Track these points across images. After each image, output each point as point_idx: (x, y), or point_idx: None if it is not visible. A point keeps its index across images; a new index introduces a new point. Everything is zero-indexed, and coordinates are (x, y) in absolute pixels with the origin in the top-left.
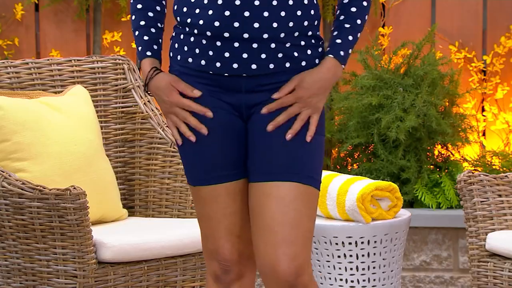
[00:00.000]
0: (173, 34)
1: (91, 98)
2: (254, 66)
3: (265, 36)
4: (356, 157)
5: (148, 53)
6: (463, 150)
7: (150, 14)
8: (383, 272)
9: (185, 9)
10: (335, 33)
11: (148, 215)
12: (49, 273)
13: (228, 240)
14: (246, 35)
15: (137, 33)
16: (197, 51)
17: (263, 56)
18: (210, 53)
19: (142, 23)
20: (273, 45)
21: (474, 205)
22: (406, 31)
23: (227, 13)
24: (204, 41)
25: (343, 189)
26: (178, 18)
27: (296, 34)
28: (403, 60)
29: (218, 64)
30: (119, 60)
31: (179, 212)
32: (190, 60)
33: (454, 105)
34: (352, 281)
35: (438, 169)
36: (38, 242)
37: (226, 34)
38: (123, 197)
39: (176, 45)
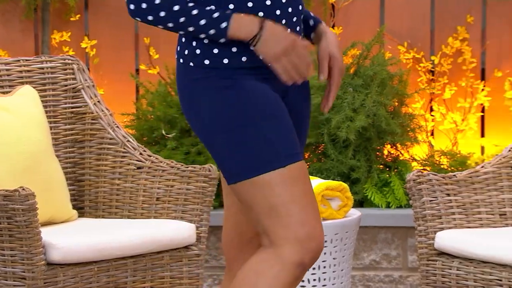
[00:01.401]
0: (221, 41)
1: (40, 99)
2: None
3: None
4: (306, 157)
5: (228, 11)
6: (412, 150)
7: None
8: (333, 272)
9: (250, 4)
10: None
11: (98, 216)
12: None
13: (319, 221)
14: (295, 19)
15: (194, 12)
16: None
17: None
18: None
19: (191, 4)
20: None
21: (423, 204)
22: (356, 32)
23: None
24: None
25: None
26: None
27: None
28: (353, 60)
29: None
30: (68, 60)
31: (129, 212)
32: (261, 57)
33: (403, 105)
34: (302, 280)
35: (387, 169)
36: None
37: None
38: (72, 198)
39: (235, 49)
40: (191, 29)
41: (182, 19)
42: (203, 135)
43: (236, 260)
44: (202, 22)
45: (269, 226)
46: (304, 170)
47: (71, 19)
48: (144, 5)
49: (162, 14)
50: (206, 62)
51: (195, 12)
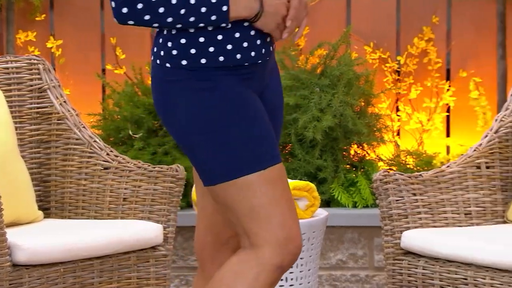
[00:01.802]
0: (219, 38)
1: (6, 99)
2: (271, 48)
3: None
4: None
5: None
6: (378, 150)
7: None
8: (300, 272)
9: None
10: None
11: (64, 217)
12: None
13: (297, 222)
14: None
15: (192, 1)
16: (258, 42)
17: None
18: (268, 39)
19: None
20: None
21: (389, 204)
22: (323, 32)
23: None
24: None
25: None
26: None
27: None
28: (320, 60)
29: (263, 51)
30: (34, 60)
31: (96, 213)
32: (252, 54)
33: (369, 105)
34: None
35: (354, 169)
36: None
37: None
38: (38, 198)
39: (230, 46)
40: (192, 19)
41: (182, 11)
42: (181, 137)
43: (211, 261)
44: (203, 9)
45: (250, 228)
46: (283, 172)
47: (37, 18)
48: (140, 5)
49: (161, 10)
50: (184, 62)
51: (193, 1)
